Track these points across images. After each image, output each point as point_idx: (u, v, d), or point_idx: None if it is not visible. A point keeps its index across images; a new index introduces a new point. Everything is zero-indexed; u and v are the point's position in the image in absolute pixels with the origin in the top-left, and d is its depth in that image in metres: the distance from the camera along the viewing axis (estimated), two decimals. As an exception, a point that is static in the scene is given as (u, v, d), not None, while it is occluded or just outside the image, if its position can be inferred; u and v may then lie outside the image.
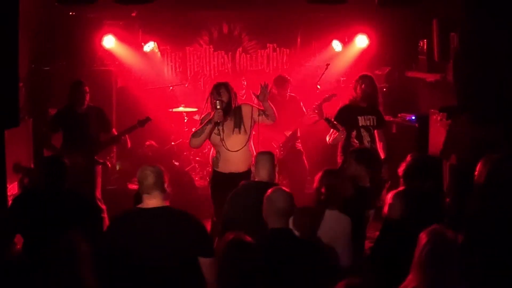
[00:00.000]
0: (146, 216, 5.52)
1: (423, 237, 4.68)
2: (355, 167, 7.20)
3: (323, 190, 6.45)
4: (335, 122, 8.74)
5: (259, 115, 8.19)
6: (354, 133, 8.83)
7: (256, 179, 7.00)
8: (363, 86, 8.84)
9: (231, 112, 8.13)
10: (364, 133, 8.83)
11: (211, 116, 8.04)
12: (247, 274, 4.67)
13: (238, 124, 8.15)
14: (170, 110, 11.72)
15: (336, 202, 6.38)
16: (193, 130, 8.75)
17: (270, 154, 7.13)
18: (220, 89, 8.13)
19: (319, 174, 6.62)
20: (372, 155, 7.67)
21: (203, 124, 8.15)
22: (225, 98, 8.04)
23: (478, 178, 6.04)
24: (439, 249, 4.59)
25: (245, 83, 11.77)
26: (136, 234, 5.41)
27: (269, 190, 5.74)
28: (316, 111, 10.08)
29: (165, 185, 5.64)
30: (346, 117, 8.87)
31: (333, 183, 6.46)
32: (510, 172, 5.98)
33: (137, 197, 6.26)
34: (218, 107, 7.94)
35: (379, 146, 8.91)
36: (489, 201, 5.88)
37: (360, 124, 8.84)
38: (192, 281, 5.43)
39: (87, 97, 9.49)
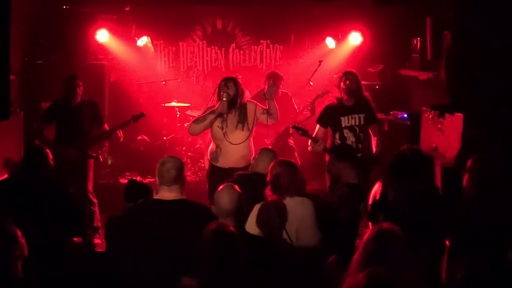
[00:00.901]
0: (165, 208, 5.58)
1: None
2: (337, 165, 7.22)
3: (273, 180, 6.43)
4: (305, 129, 8.73)
5: (262, 113, 8.26)
6: (337, 134, 8.81)
7: (252, 171, 7.06)
8: (347, 82, 8.73)
9: (236, 107, 8.18)
10: (347, 134, 8.75)
11: (215, 107, 8.10)
12: (226, 263, 4.66)
13: (242, 120, 8.22)
14: (163, 105, 11.70)
15: (292, 189, 6.38)
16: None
17: (274, 153, 7.30)
18: (229, 82, 8.20)
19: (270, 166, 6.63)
20: (351, 151, 7.71)
21: (206, 113, 8.20)
22: (231, 92, 8.11)
23: (468, 176, 6.05)
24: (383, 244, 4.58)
25: (240, 77, 11.74)
26: (154, 226, 5.45)
27: (218, 189, 5.78)
28: (309, 108, 10.09)
29: (184, 178, 5.75)
30: (328, 119, 8.84)
31: (280, 171, 6.46)
32: (499, 172, 6.00)
33: (128, 191, 6.29)
34: (224, 99, 8.02)
35: (373, 141, 8.88)
36: (478, 202, 5.89)
37: (343, 125, 8.76)
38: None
39: (81, 91, 9.50)
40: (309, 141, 8.69)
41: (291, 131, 10.32)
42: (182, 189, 5.70)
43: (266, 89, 8.22)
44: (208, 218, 5.50)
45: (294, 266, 5.67)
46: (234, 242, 4.78)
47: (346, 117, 8.75)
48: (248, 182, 6.61)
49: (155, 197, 5.72)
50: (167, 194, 5.62)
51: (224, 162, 8.21)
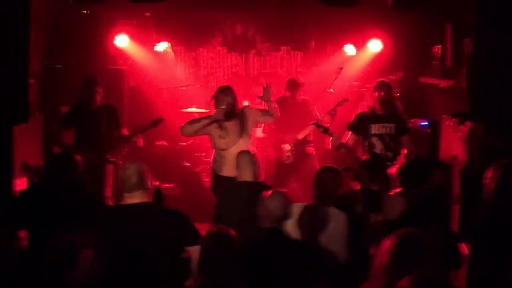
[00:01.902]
0: (127, 212, 5.57)
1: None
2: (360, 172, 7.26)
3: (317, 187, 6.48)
4: (325, 126, 8.78)
5: (261, 115, 8.27)
6: (366, 142, 8.82)
7: (240, 180, 7.08)
8: (381, 93, 8.78)
9: (236, 115, 8.17)
10: (375, 142, 8.79)
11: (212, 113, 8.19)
12: (226, 266, 4.64)
13: (244, 128, 8.22)
14: (181, 110, 11.68)
15: (329, 199, 6.40)
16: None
17: (249, 154, 7.25)
18: (226, 91, 8.20)
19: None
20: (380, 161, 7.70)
21: (202, 117, 8.42)
22: (230, 100, 8.08)
23: (489, 184, 5.99)
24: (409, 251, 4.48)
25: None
26: (117, 230, 5.46)
27: (266, 193, 5.70)
28: (329, 116, 10.06)
29: (148, 183, 5.67)
30: (358, 126, 8.89)
31: (324, 179, 6.45)
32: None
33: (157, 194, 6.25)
34: (223, 106, 8.00)
35: (403, 152, 8.86)
36: (499, 208, 5.83)
37: (372, 132, 8.80)
38: (173, 275, 5.47)
39: (100, 96, 9.51)
40: (330, 139, 8.71)
41: (310, 138, 10.31)
42: (146, 193, 5.65)
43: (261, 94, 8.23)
44: (172, 217, 5.59)
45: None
46: (233, 246, 4.78)
47: (376, 125, 8.81)
48: (240, 191, 6.63)
49: (120, 202, 5.72)
50: (128, 200, 5.61)
51: (228, 171, 8.12)
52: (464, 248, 6.65)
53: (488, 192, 5.96)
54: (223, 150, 8.24)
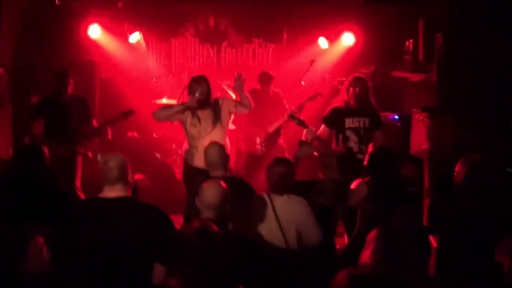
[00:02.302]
0: (105, 206, 5.42)
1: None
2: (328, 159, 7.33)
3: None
4: (300, 118, 8.83)
5: (235, 106, 8.27)
6: (340, 135, 8.84)
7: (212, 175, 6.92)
8: (356, 89, 8.82)
9: (210, 105, 8.17)
10: (350, 135, 8.82)
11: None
12: (210, 263, 4.59)
13: (217, 117, 8.21)
14: (154, 101, 11.63)
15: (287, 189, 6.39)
16: None
17: (218, 147, 7.16)
18: (200, 80, 8.20)
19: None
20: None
21: (176, 104, 8.40)
22: (204, 90, 8.08)
23: (456, 179, 6.02)
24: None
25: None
26: (94, 224, 5.28)
27: (204, 184, 5.64)
28: (297, 109, 10.06)
29: (129, 176, 5.55)
30: (333, 120, 8.91)
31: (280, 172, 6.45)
32: (486, 173, 5.98)
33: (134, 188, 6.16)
34: (196, 94, 8.02)
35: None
36: (466, 203, 5.87)
37: (347, 126, 8.83)
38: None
39: (71, 88, 9.46)
40: (304, 131, 8.71)
41: (281, 131, 10.34)
42: (127, 187, 5.53)
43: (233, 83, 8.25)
44: (152, 215, 5.44)
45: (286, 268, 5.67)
46: (218, 241, 4.72)
47: (350, 119, 8.84)
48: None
49: (99, 195, 5.55)
50: (109, 193, 5.46)
51: (200, 161, 7.81)
52: (433, 241, 6.68)
53: (456, 187, 5.99)
54: (195, 139, 8.22)
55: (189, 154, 8.38)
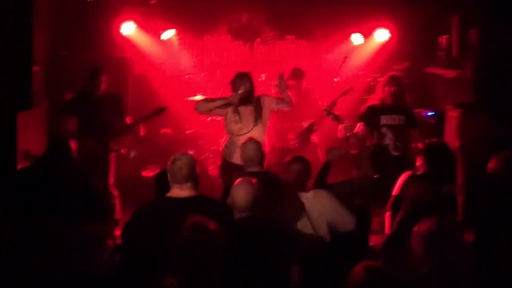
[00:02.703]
0: (177, 205, 5.47)
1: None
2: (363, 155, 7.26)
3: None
4: (336, 113, 8.81)
5: (277, 104, 8.28)
6: (376, 132, 8.85)
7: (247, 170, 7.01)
8: (392, 88, 8.83)
9: (252, 102, 8.18)
10: (386, 132, 8.83)
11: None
12: (207, 260, 4.55)
13: (259, 115, 8.22)
14: (187, 99, 11.66)
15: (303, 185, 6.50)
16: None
17: (255, 143, 7.20)
18: (243, 77, 8.22)
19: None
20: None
21: (218, 98, 8.43)
22: (248, 86, 8.08)
23: (491, 175, 5.97)
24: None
25: (264, 77, 11.67)
26: (167, 224, 5.26)
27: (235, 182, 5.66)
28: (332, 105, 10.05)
29: (197, 175, 5.65)
30: (369, 117, 8.94)
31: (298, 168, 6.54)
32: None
33: (159, 181, 6.12)
34: (239, 91, 8.03)
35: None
36: (501, 199, 5.81)
37: (382, 123, 8.84)
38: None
39: (104, 85, 9.49)
40: (339, 127, 8.72)
41: (314, 127, 10.31)
42: (196, 186, 5.61)
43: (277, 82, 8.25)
44: (223, 213, 5.46)
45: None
46: (213, 237, 4.66)
47: (386, 116, 8.86)
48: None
49: (168, 195, 5.61)
50: (178, 191, 5.53)
51: (239, 158, 7.85)
52: (469, 237, 6.63)
53: (490, 183, 5.95)
54: (236, 135, 8.22)
55: (227, 150, 8.39)
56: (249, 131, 8.13)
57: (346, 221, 6.31)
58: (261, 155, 7.13)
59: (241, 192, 5.50)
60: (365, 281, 3.96)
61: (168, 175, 5.62)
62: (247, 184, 5.57)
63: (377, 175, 7.18)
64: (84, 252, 4.46)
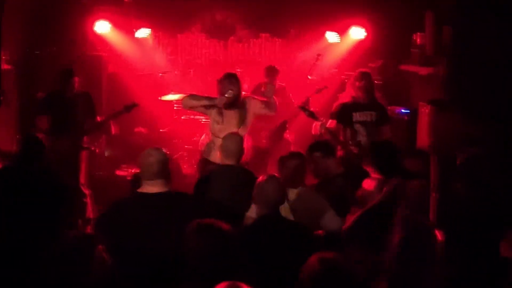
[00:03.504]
0: (149, 201, 5.39)
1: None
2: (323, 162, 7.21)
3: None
4: (311, 109, 8.84)
5: (261, 108, 8.25)
6: (348, 129, 8.85)
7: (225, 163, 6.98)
8: (362, 82, 8.84)
9: (237, 106, 8.14)
10: (359, 128, 8.86)
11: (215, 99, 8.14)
12: (215, 258, 4.51)
13: (242, 119, 8.19)
14: (160, 98, 11.62)
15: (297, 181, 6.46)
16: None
17: (237, 138, 7.12)
18: (232, 79, 8.16)
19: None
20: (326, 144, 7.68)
21: (205, 96, 8.33)
22: (235, 91, 8.02)
23: (458, 171, 6.00)
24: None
25: (239, 71, 11.67)
26: (136, 220, 5.23)
27: (261, 178, 5.66)
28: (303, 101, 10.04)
29: (169, 172, 5.56)
30: (342, 114, 8.95)
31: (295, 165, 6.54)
32: (486, 168, 5.95)
33: (135, 181, 6.08)
34: (227, 95, 7.96)
35: None
36: (465, 196, 5.84)
37: (355, 120, 8.87)
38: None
39: (76, 86, 9.44)
40: (314, 124, 8.71)
41: (287, 125, 10.32)
42: (168, 182, 5.51)
43: (264, 88, 8.25)
44: (195, 206, 5.47)
45: None
46: (226, 238, 4.57)
47: (358, 113, 8.89)
48: (226, 174, 6.61)
49: (139, 190, 5.51)
50: (149, 188, 5.43)
51: (216, 157, 7.93)
52: (439, 235, 6.63)
53: (457, 180, 5.97)
54: (215, 135, 8.19)
55: (207, 148, 8.35)
56: (228, 132, 8.09)
57: (332, 220, 6.31)
58: (241, 150, 7.04)
59: (273, 187, 5.52)
60: (319, 272, 3.96)
61: (140, 170, 5.55)
62: (276, 180, 5.63)
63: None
64: (71, 259, 4.36)
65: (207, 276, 4.33)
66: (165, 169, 5.49)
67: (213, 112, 8.21)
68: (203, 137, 8.54)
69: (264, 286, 4.32)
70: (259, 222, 5.52)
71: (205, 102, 8.21)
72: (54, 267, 4.18)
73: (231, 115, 8.17)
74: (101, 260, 4.33)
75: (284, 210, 5.97)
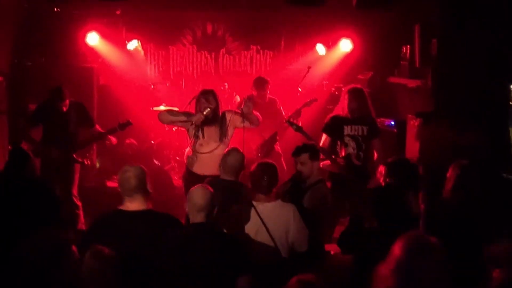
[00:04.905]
0: (127, 219, 5.45)
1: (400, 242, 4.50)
2: (310, 163, 7.31)
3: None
4: (298, 124, 8.92)
5: (242, 121, 8.21)
6: (339, 142, 8.90)
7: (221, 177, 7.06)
8: (347, 101, 8.86)
9: (217, 121, 8.14)
10: (349, 141, 8.88)
11: (193, 115, 8.10)
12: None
13: (223, 134, 8.17)
14: (152, 108, 11.66)
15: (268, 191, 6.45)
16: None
17: (241, 155, 7.20)
18: (209, 96, 8.13)
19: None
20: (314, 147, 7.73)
21: (182, 112, 8.28)
22: (212, 108, 8.04)
23: (447, 183, 6.04)
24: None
25: (227, 86, 11.74)
26: (115, 237, 5.25)
27: (192, 188, 5.62)
28: (295, 116, 10.08)
29: (147, 186, 5.59)
30: (333, 127, 8.97)
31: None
32: (476, 178, 6.00)
33: None
34: (204, 112, 7.95)
35: (375, 155, 9.03)
36: (454, 206, 5.88)
37: (345, 133, 8.89)
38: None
39: (67, 104, 9.43)
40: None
41: (277, 138, 10.36)
42: (146, 198, 5.58)
43: (243, 105, 8.19)
44: (173, 227, 5.50)
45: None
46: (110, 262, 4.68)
47: (349, 126, 8.89)
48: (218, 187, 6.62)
49: (119, 207, 5.59)
50: (128, 204, 5.51)
51: (200, 169, 8.09)
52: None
53: (446, 191, 6.01)
54: (195, 149, 8.21)
55: (190, 159, 8.37)
56: (212, 150, 8.11)
57: (302, 239, 6.31)
58: (241, 167, 7.14)
59: (199, 193, 5.48)
60: None
61: (119, 186, 5.61)
62: (203, 188, 5.56)
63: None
64: (46, 259, 4.39)
65: None
66: (143, 184, 5.55)
67: (192, 128, 8.22)
68: (187, 149, 8.53)
69: None
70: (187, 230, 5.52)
71: (183, 118, 8.18)
72: (25, 266, 4.26)
73: (211, 132, 8.15)
74: (72, 260, 4.40)
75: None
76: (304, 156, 7.37)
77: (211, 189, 5.58)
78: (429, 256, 4.28)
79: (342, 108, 8.98)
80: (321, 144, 8.84)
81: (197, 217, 5.41)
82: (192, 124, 8.09)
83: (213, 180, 6.88)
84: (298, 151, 7.47)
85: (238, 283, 5.22)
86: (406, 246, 4.29)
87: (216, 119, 8.14)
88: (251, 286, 5.27)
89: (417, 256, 4.25)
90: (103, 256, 4.65)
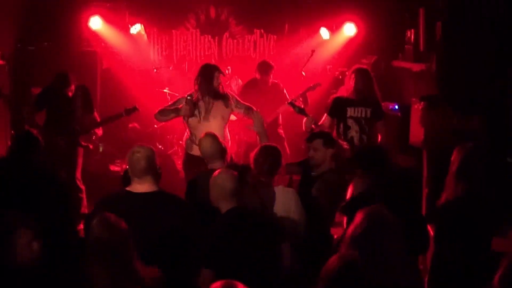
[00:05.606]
0: (136, 201, 5.38)
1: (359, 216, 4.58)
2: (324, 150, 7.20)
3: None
4: (302, 107, 8.84)
5: (236, 107, 8.27)
6: (342, 124, 8.85)
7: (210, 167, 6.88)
8: (355, 80, 8.81)
9: (220, 97, 8.15)
10: (352, 124, 8.84)
11: (181, 104, 8.23)
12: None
13: (223, 111, 8.18)
14: (157, 89, 11.65)
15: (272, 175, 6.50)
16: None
17: (212, 138, 7.03)
18: (214, 73, 8.18)
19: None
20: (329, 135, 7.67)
21: (172, 107, 8.39)
22: (216, 84, 8.04)
23: (451, 166, 5.99)
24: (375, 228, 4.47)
25: (229, 70, 11.69)
26: (126, 219, 4.99)
27: (214, 173, 5.56)
28: (301, 99, 10.06)
29: (157, 168, 5.52)
30: (335, 109, 8.93)
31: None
32: (481, 161, 5.95)
33: (126, 177, 6.07)
34: (186, 102, 7.98)
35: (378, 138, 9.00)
36: (459, 190, 5.83)
37: (348, 115, 8.84)
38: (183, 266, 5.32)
39: (72, 88, 9.44)
40: (304, 120, 8.72)
41: (280, 121, 10.34)
42: (156, 179, 5.49)
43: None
44: (183, 210, 5.46)
45: None
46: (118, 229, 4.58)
47: (352, 108, 8.84)
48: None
49: (127, 188, 5.50)
50: (138, 186, 5.41)
51: (197, 150, 7.81)
52: (430, 231, 6.66)
53: (450, 175, 5.96)
54: (194, 129, 8.22)
55: (188, 142, 8.38)
56: (208, 122, 8.13)
57: (301, 227, 6.31)
58: (219, 149, 6.92)
59: (225, 178, 5.45)
60: (339, 271, 3.98)
61: (128, 167, 5.54)
62: (228, 172, 5.55)
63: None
64: None
65: None
66: (153, 165, 5.45)
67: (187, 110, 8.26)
68: (186, 133, 8.54)
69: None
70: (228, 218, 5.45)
71: (173, 115, 8.35)
72: None
73: (209, 107, 8.29)
74: (26, 244, 4.31)
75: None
76: (317, 142, 7.17)
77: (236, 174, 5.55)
78: (385, 227, 4.44)
79: (346, 89, 8.93)
80: (320, 122, 8.79)
81: (231, 203, 5.39)
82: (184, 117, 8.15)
83: (204, 174, 6.66)
84: (311, 137, 7.35)
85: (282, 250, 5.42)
86: (365, 216, 4.48)
87: (219, 95, 8.15)
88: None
89: (374, 226, 4.42)
90: (110, 223, 4.54)
